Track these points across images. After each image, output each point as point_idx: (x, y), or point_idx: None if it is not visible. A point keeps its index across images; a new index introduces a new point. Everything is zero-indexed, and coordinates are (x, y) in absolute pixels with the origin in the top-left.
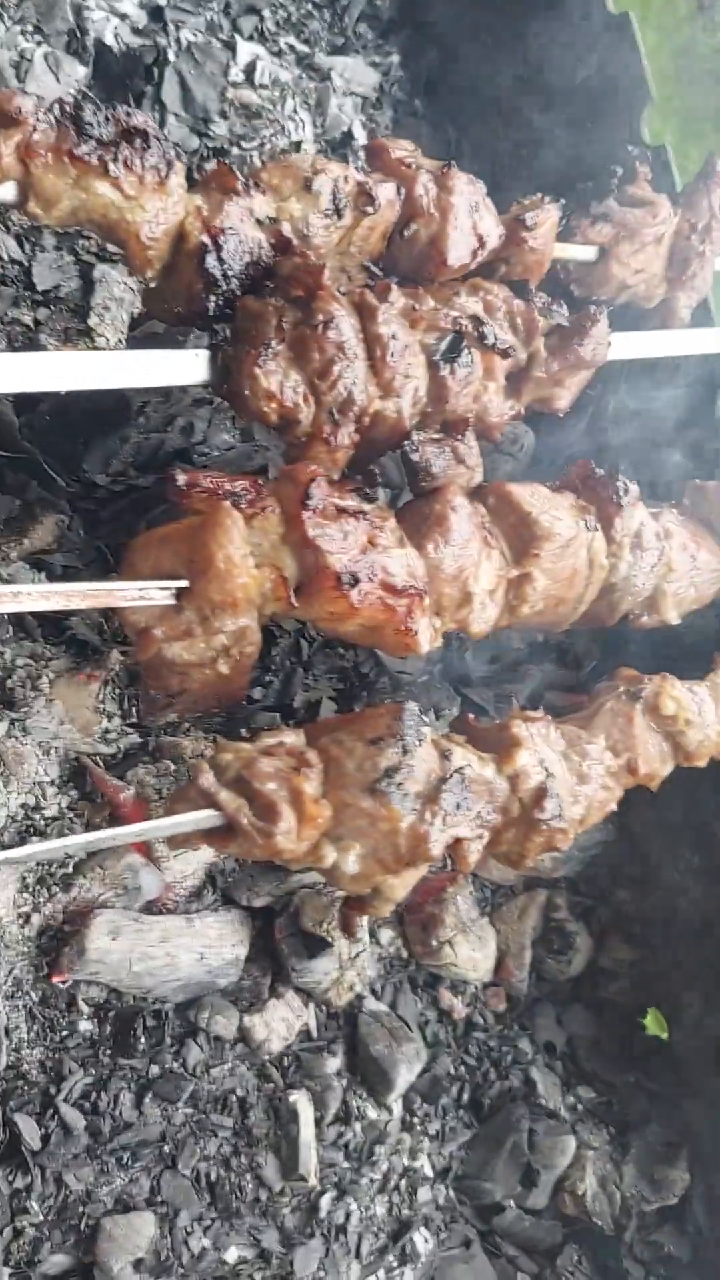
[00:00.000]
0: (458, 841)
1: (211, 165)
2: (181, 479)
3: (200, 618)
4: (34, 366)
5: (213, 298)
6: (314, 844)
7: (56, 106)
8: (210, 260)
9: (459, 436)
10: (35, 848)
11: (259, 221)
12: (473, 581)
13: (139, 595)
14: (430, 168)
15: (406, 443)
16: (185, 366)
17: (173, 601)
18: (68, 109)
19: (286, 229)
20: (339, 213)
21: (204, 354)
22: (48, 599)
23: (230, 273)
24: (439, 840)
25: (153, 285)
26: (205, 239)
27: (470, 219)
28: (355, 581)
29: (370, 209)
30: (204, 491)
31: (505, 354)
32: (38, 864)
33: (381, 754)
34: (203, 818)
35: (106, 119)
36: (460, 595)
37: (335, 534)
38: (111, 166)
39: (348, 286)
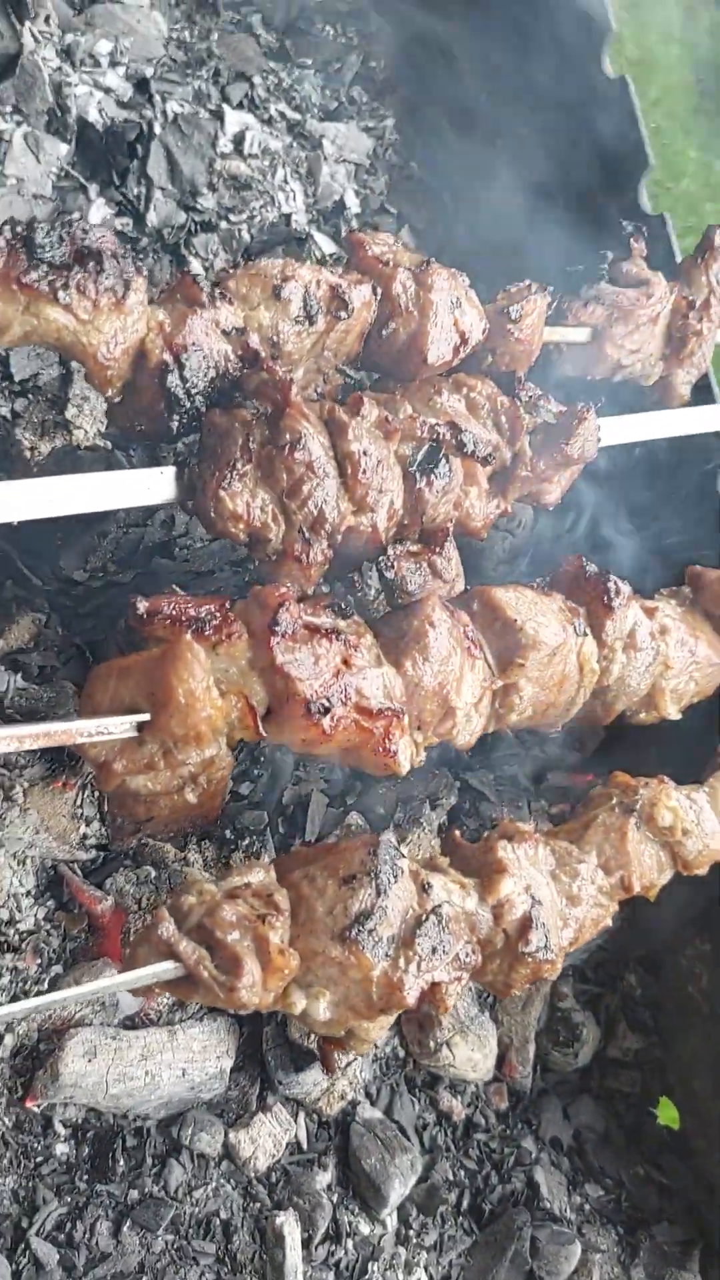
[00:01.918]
0: (435, 985)
1: (199, 266)
2: (142, 606)
3: (163, 750)
4: None
5: (176, 416)
6: (282, 991)
7: (7, 229)
8: (172, 379)
9: (437, 549)
10: None
11: (225, 333)
12: (455, 696)
13: (98, 731)
14: (409, 264)
15: (381, 559)
16: (151, 485)
17: (134, 734)
18: (19, 231)
19: (254, 340)
20: (310, 319)
21: (170, 470)
22: (4, 742)
23: (194, 390)
24: (414, 987)
25: (116, 401)
26: (167, 357)
27: (451, 315)
28: (327, 709)
29: (344, 313)
30: (167, 619)
31: (486, 461)
32: (10, 982)
33: (354, 895)
34: (162, 969)
35: (60, 239)
36: (443, 710)
37: (305, 658)
38: (62, 293)
39: (323, 389)
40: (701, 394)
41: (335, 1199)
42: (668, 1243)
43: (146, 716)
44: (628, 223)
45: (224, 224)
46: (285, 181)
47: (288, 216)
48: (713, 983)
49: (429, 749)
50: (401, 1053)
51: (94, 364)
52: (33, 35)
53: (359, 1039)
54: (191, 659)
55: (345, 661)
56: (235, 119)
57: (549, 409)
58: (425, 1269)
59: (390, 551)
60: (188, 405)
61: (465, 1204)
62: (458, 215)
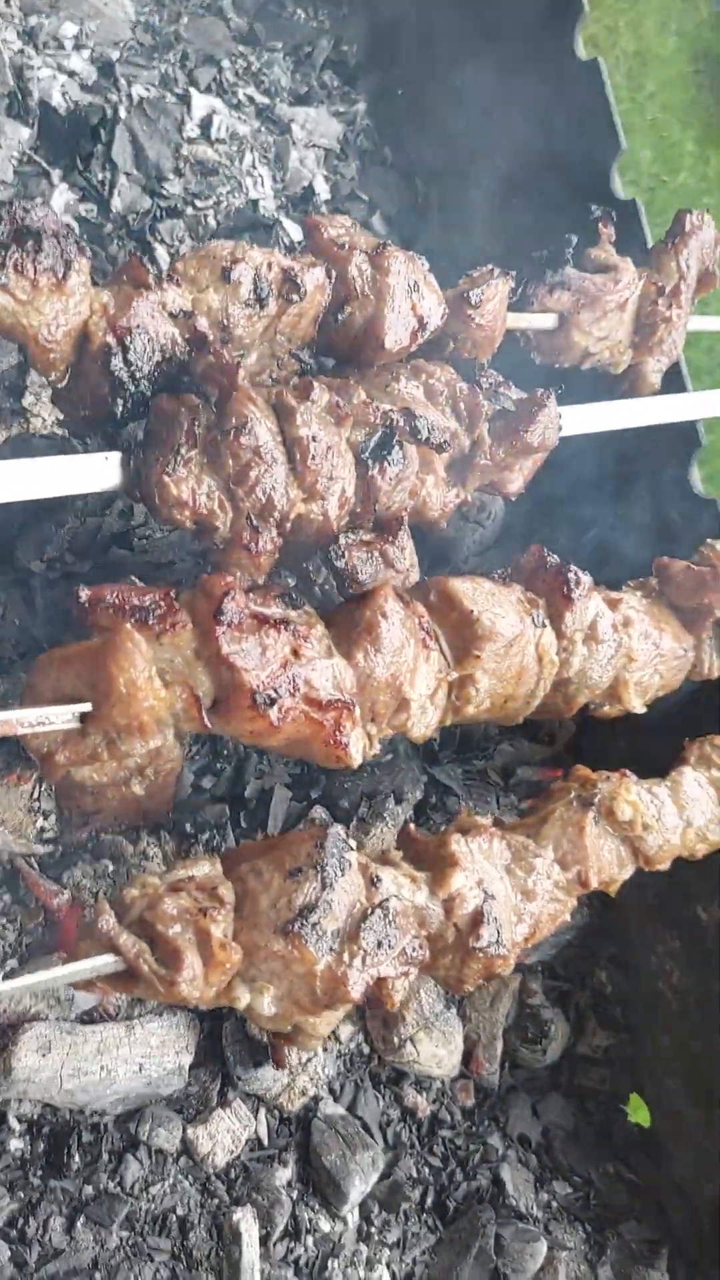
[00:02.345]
0: (381, 980)
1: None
2: (84, 595)
3: (106, 741)
4: None
5: (120, 400)
6: (226, 985)
7: None
8: (116, 362)
9: (390, 538)
10: None
11: (172, 315)
12: (409, 687)
13: (39, 721)
14: (366, 246)
15: (332, 547)
16: (95, 472)
17: (77, 725)
18: None
19: (202, 323)
20: (261, 302)
21: (115, 457)
22: None
23: (138, 374)
24: (359, 982)
25: (60, 386)
26: (110, 339)
27: (409, 299)
28: (273, 700)
29: (296, 296)
30: (109, 607)
31: (441, 448)
32: None
33: (299, 888)
34: (101, 963)
35: (0, 219)
36: (396, 701)
37: (253, 649)
38: None
39: (278, 374)
40: (673, 382)
41: (295, 1195)
42: (636, 1241)
43: (89, 707)
44: (595, 207)
45: (190, 210)
46: (253, 167)
47: (255, 202)
48: (683, 980)
49: (398, 743)
50: (366, 1049)
51: (35, 346)
52: None
53: (306, 1034)
54: (132, 648)
55: (294, 652)
56: (202, 103)
57: (508, 396)
58: (388, 1266)
59: (341, 540)
60: (132, 389)
61: (429, 1201)
62: (430, 201)
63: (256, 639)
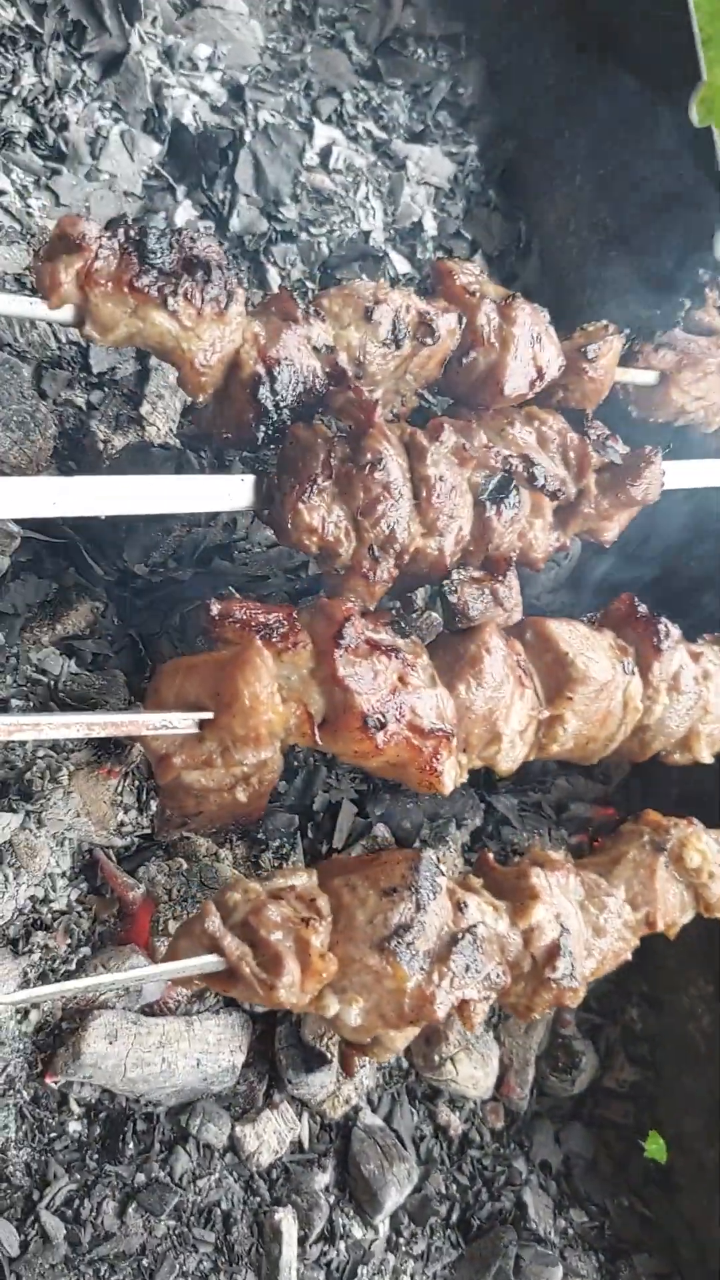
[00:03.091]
0: (464, 1003)
1: (275, 287)
2: (216, 609)
3: (222, 749)
4: (79, 490)
5: (263, 427)
6: (317, 994)
7: (121, 232)
8: (264, 391)
9: (500, 577)
10: (31, 993)
11: (316, 350)
12: (503, 722)
13: (162, 725)
14: (495, 296)
15: (446, 583)
16: (230, 491)
17: (195, 730)
18: (132, 235)
19: (343, 359)
20: (398, 343)
21: (249, 479)
22: (69, 728)
23: (283, 403)
24: (445, 1002)
25: (204, 406)
26: (260, 369)
27: (530, 350)
28: (382, 724)
29: (430, 340)
30: (237, 622)
31: (555, 496)
32: (40, 959)
33: (395, 908)
34: (206, 963)
35: (170, 245)
36: (490, 734)
37: (365, 673)
38: (171, 300)
39: (399, 409)
40: None
41: (332, 1200)
42: (646, 1274)
43: (210, 715)
44: (704, 270)
45: (304, 235)
46: (367, 199)
47: (366, 234)
48: (713, 1024)
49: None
50: (405, 1064)
51: (189, 370)
52: (140, 36)
53: (383, 1047)
54: (260, 664)
55: (402, 679)
56: (324, 133)
57: (616, 449)
58: (412, 1277)
59: (455, 576)
60: (275, 417)
61: (455, 1217)
62: (530, 247)
63: (369, 664)
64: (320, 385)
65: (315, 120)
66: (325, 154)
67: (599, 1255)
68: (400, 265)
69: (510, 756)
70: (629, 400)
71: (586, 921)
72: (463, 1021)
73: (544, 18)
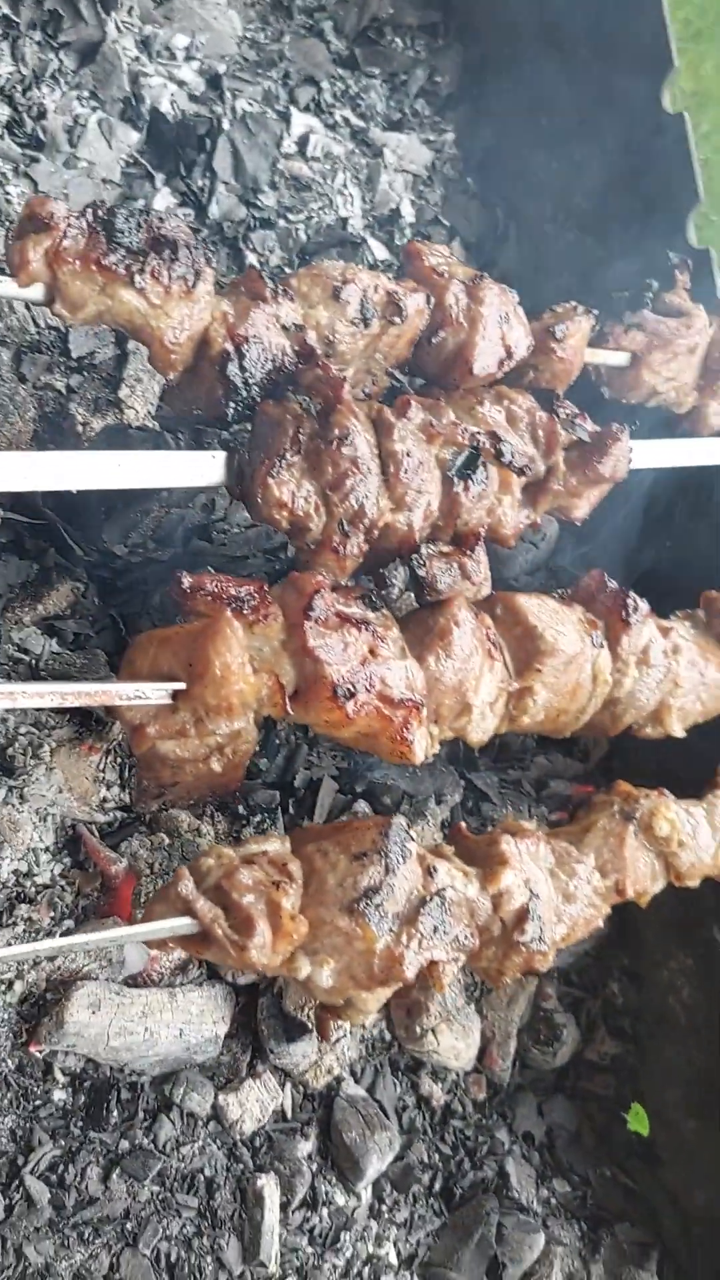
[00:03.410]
0: (432, 964)
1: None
2: (187, 581)
3: (195, 719)
4: (50, 464)
5: (232, 404)
6: (289, 955)
7: (89, 212)
8: (232, 368)
9: (468, 551)
10: (8, 951)
11: (284, 328)
12: (473, 694)
13: (135, 695)
14: (463, 276)
15: (415, 556)
16: (202, 467)
17: (169, 701)
18: (99, 214)
19: (311, 337)
20: (366, 322)
21: (221, 455)
22: (42, 697)
23: (251, 380)
24: (413, 963)
25: (174, 383)
26: (229, 346)
27: (499, 329)
28: (351, 694)
29: (398, 319)
30: (209, 595)
31: (522, 472)
32: (24, 931)
33: (364, 871)
34: (179, 924)
35: (138, 225)
36: (460, 706)
37: (335, 644)
38: (138, 277)
39: (371, 389)
40: None
41: (315, 1168)
42: (628, 1242)
43: (182, 685)
44: (674, 254)
45: (282, 222)
46: (344, 186)
47: (344, 220)
48: (693, 996)
49: (440, 745)
50: (388, 1036)
51: (159, 347)
52: (116, 25)
53: (355, 1009)
54: (230, 634)
55: (372, 651)
56: (301, 121)
57: (584, 427)
58: (395, 1244)
59: (423, 550)
60: (244, 394)
61: (437, 1186)
62: (508, 232)
63: (339, 635)
64: (290, 363)
65: (293, 109)
66: (303, 142)
67: (581, 1224)
68: (379, 252)
69: (480, 728)
70: (601, 381)
71: (556, 888)
72: (432, 983)
73: (519, 5)
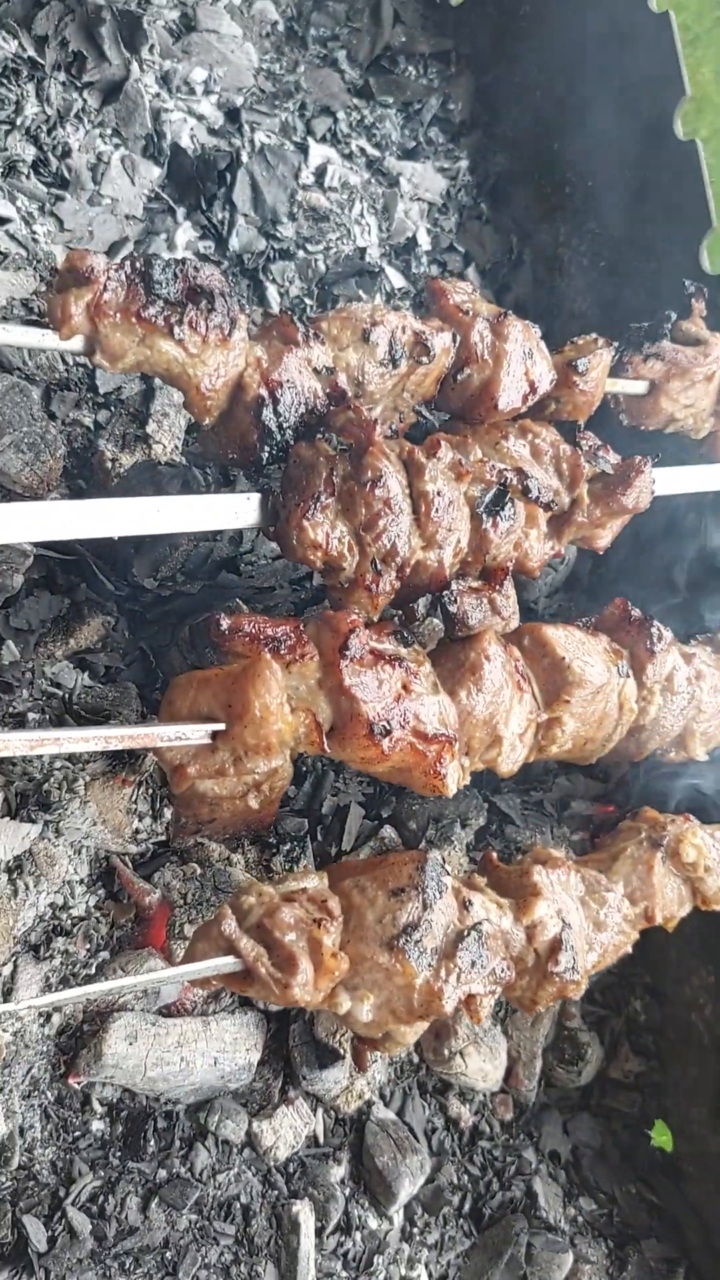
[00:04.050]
0: (470, 997)
1: (274, 305)
2: (225, 623)
3: (234, 758)
4: (91, 512)
5: (267, 448)
6: (330, 991)
7: (127, 264)
8: (267, 413)
9: (497, 586)
10: (55, 996)
11: (316, 371)
12: (503, 726)
13: (176, 736)
14: (487, 313)
15: (445, 593)
16: (237, 509)
17: (208, 741)
18: (138, 267)
19: (342, 379)
20: (395, 363)
21: (255, 498)
22: (88, 742)
23: (285, 424)
24: (452, 997)
25: (209, 428)
26: (263, 392)
27: (523, 365)
28: (387, 731)
29: (425, 359)
30: (246, 636)
31: (549, 507)
32: (61, 964)
33: (403, 907)
34: (223, 964)
35: (175, 275)
36: (490, 738)
37: (370, 682)
38: (177, 328)
39: (398, 425)
40: None
41: (348, 1192)
42: (655, 1259)
43: (222, 726)
44: (689, 282)
45: (301, 253)
46: (361, 216)
47: (362, 250)
48: (715, 1014)
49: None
50: (416, 1058)
51: (195, 394)
52: (139, 64)
53: (394, 1041)
54: (269, 676)
55: (405, 687)
56: (319, 152)
57: (607, 459)
58: (426, 1266)
59: (454, 586)
60: (278, 438)
61: (467, 1207)
62: (523, 258)
63: (374, 673)
64: (321, 405)
65: (310, 140)
66: (320, 173)
67: (608, 1242)
68: (396, 280)
69: (511, 759)
70: (619, 409)
71: (587, 916)
72: (470, 1015)
73: (531, 32)
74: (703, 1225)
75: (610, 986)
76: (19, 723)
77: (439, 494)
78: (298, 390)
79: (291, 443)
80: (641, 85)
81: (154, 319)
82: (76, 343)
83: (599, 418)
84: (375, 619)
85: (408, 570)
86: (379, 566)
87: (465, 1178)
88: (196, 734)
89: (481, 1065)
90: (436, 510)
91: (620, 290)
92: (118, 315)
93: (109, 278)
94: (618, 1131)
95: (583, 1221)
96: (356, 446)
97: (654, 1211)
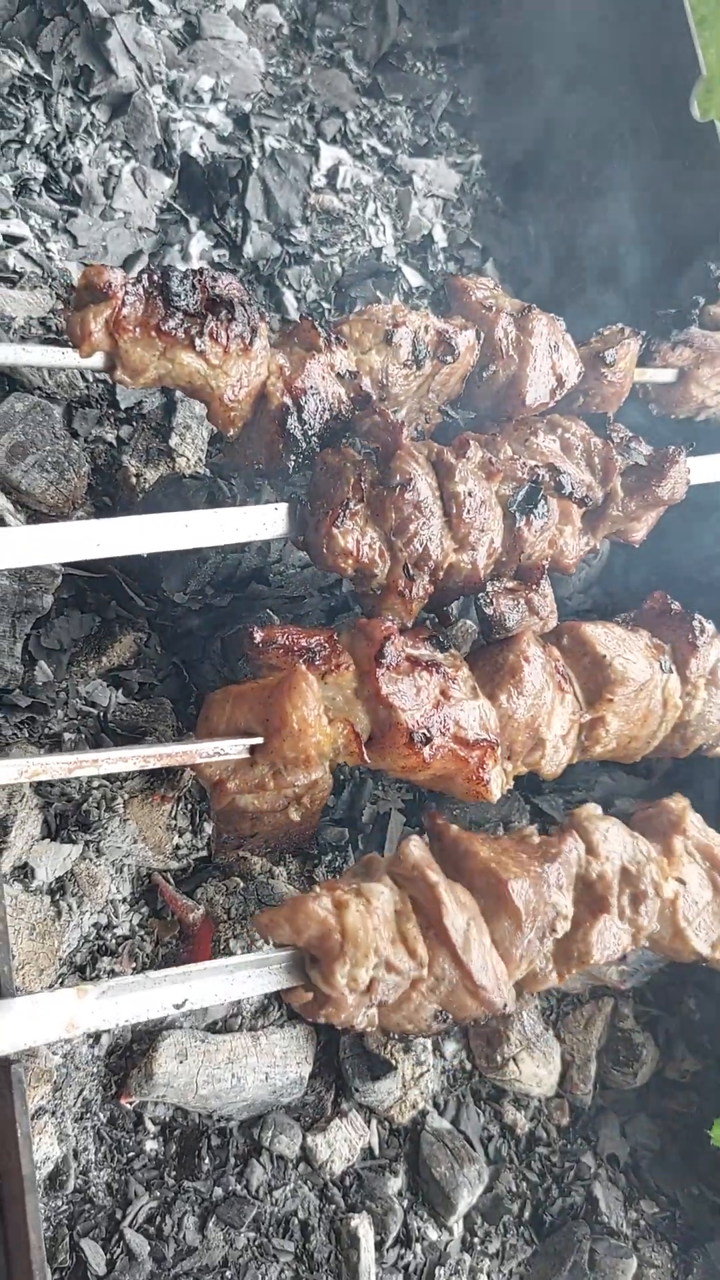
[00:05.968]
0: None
1: (291, 310)
2: (258, 636)
3: (273, 772)
4: (121, 530)
5: (293, 456)
6: None
7: (144, 278)
8: (291, 421)
9: (534, 586)
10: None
11: (339, 376)
12: (545, 728)
13: (214, 752)
14: (510, 309)
15: (481, 595)
16: (266, 520)
17: (246, 755)
18: (155, 279)
19: (366, 383)
20: (419, 363)
21: (283, 508)
22: (126, 762)
23: (310, 432)
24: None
25: (234, 439)
26: (287, 400)
27: (549, 359)
28: (428, 738)
29: (450, 358)
30: (280, 648)
31: (583, 503)
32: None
33: None
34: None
35: (193, 286)
36: (533, 741)
37: (408, 690)
38: (198, 340)
39: (424, 426)
40: None
41: (406, 1204)
42: None
43: (260, 740)
44: (716, 266)
45: (317, 256)
46: (376, 215)
47: (378, 250)
48: None
49: None
50: (469, 1066)
51: (219, 405)
52: (147, 75)
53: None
54: (306, 688)
55: (444, 693)
56: (329, 154)
57: (640, 450)
58: (488, 1276)
59: (489, 588)
60: (304, 446)
61: (527, 1215)
62: (541, 249)
63: (411, 680)
64: (346, 410)
65: (320, 141)
66: (332, 174)
67: (672, 1245)
68: (413, 279)
69: (554, 761)
70: (648, 399)
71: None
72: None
73: (540, 19)
74: None
75: (663, 986)
76: (55, 743)
77: (470, 494)
78: (322, 396)
79: (317, 450)
80: (653, 68)
81: (174, 331)
82: (97, 360)
83: (625, 407)
84: (409, 625)
85: (441, 574)
86: (411, 571)
87: (524, 1185)
88: (234, 749)
89: (535, 1070)
90: (468, 511)
91: (645, 279)
92: (137, 330)
93: (127, 292)
94: (677, 1132)
95: (645, 1225)
96: (384, 450)
97: (717, 1212)
